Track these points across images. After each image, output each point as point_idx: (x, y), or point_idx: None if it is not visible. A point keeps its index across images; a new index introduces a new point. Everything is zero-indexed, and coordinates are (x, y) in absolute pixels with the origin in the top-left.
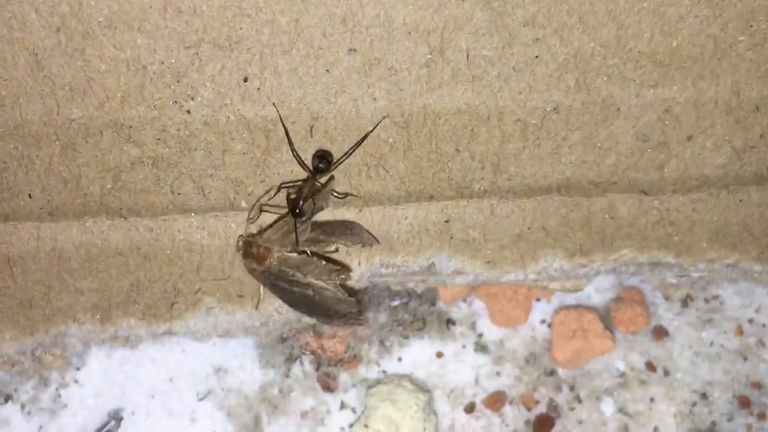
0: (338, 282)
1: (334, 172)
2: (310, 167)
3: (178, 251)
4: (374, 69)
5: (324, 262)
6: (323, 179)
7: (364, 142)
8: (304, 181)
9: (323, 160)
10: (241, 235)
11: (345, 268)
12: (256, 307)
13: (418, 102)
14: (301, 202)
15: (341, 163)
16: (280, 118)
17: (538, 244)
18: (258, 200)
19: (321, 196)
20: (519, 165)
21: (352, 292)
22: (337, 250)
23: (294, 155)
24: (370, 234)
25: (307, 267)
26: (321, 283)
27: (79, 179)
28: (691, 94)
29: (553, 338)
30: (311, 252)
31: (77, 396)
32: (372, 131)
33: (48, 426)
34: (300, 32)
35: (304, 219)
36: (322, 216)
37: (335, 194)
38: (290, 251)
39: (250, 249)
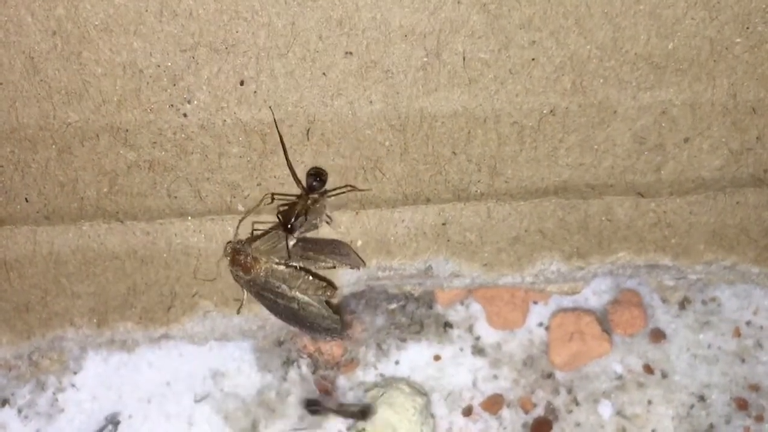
0: (323, 299)
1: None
2: (304, 184)
3: (175, 255)
4: (370, 72)
5: (311, 278)
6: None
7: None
8: (298, 197)
9: (317, 179)
10: (230, 242)
11: (331, 286)
12: (238, 312)
13: (415, 105)
14: (293, 219)
15: (336, 195)
16: (276, 127)
17: (535, 247)
18: (250, 210)
19: (314, 213)
20: (516, 167)
21: (336, 309)
22: (334, 267)
23: (289, 168)
24: (357, 255)
25: (294, 281)
26: (306, 298)
27: (75, 183)
28: (688, 97)
29: (550, 341)
30: (300, 267)
31: (74, 400)
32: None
33: (45, 430)
34: (296, 35)
35: (295, 234)
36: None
37: (327, 216)
38: (278, 263)
39: (238, 257)
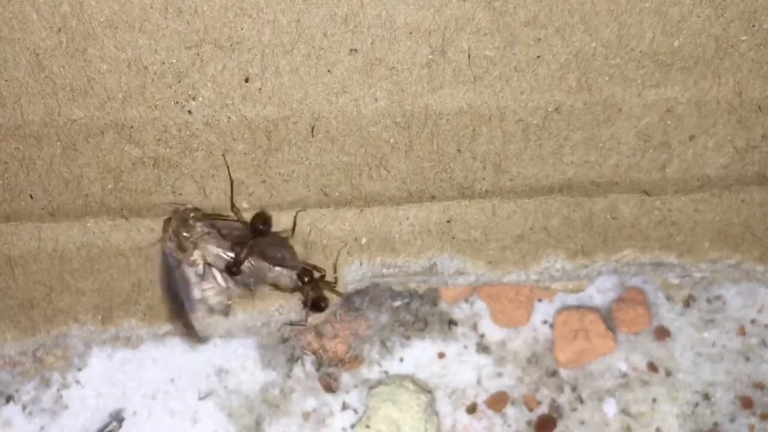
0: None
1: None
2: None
3: None
4: (375, 69)
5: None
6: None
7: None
8: (244, 243)
9: (263, 223)
10: (188, 207)
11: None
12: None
13: (420, 102)
14: (240, 261)
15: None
16: (228, 170)
17: (539, 245)
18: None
19: (276, 276)
20: (521, 165)
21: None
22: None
23: (232, 208)
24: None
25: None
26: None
27: (80, 180)
28: (693, 94)
29: (555, 339)
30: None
31: (78, 397)
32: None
33: (49, 426)
34: (301, 32)
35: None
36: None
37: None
38: (212, 261)
39: (182, 232)
